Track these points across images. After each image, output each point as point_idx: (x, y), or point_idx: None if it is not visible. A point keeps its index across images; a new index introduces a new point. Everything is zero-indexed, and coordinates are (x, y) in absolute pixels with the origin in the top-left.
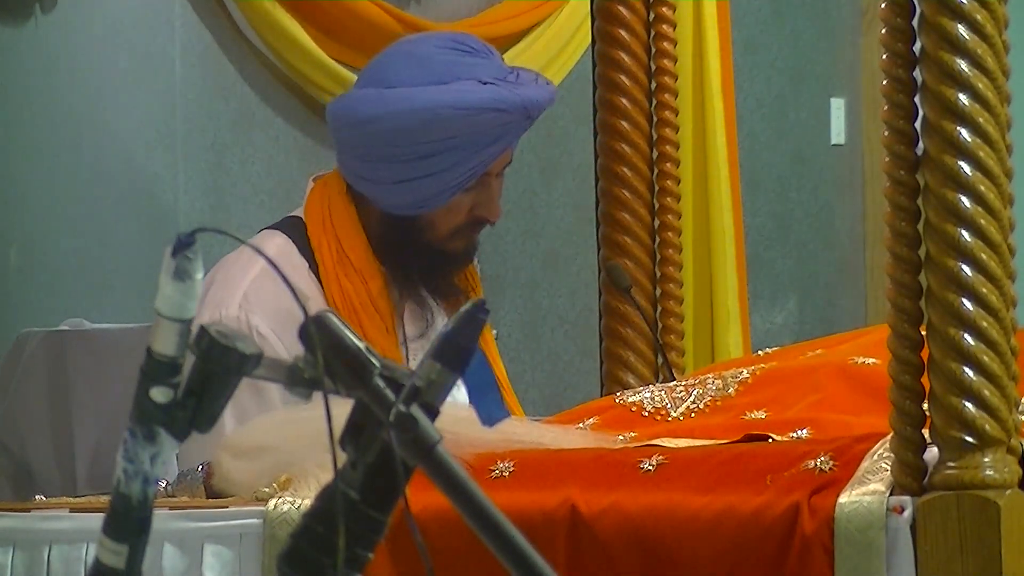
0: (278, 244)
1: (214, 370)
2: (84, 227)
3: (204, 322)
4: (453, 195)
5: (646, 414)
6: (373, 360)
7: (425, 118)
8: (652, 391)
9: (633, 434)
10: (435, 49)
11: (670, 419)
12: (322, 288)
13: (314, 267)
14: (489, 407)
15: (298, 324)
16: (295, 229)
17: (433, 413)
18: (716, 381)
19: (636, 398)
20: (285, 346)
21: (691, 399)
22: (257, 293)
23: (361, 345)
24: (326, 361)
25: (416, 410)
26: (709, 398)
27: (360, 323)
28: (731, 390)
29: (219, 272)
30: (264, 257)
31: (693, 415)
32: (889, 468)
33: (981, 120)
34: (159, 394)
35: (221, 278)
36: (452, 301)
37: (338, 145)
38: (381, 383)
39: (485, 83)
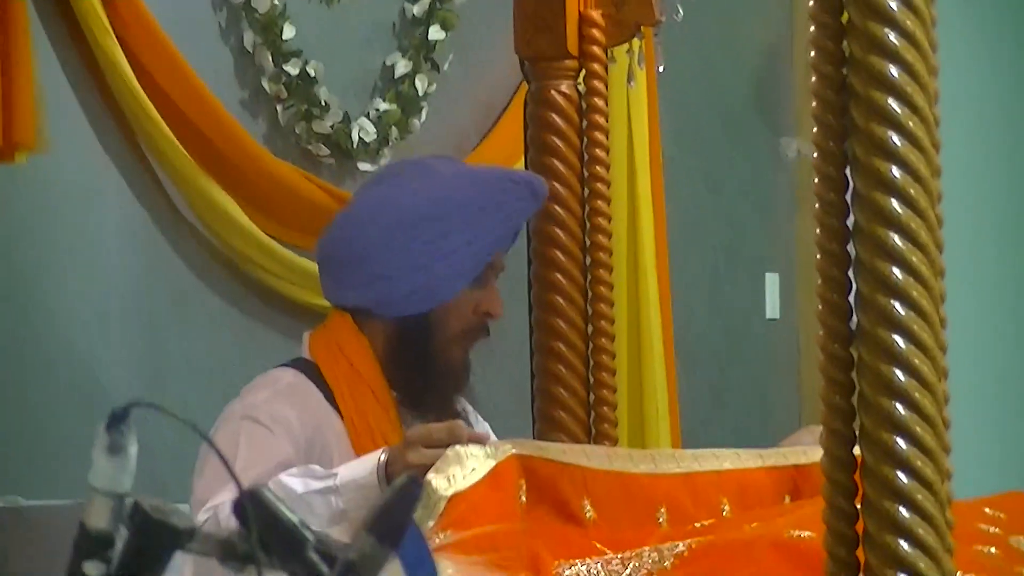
0: (289, 377)
1: (148, 544)
2: (18, 404)
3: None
4: (465, 282)
5: None
6: (307, 534)
7: (445, 191)
8: (589, 564)
9: None
10: (434, 160)
11: None
12: (340, 414)
13: (328, 396)
14: None
15: (306, 442)
16: (304, 366)
17: None
18: (652, 554)
19: (573, 571)
20: (292, 442)
21: (627, 572)
22: (282, 398)
23: (295, 519)
24: (261, 535)
25: None
26: (645, 571)
27: (377, 446)
28: (667, 563)
29: (244, 389)
30: None
31: None
32: None
33: (915, 294)
34: (92, 568)
35: (245, 391)
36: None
37: (339, 267)
38: (315, 557)
39: None
